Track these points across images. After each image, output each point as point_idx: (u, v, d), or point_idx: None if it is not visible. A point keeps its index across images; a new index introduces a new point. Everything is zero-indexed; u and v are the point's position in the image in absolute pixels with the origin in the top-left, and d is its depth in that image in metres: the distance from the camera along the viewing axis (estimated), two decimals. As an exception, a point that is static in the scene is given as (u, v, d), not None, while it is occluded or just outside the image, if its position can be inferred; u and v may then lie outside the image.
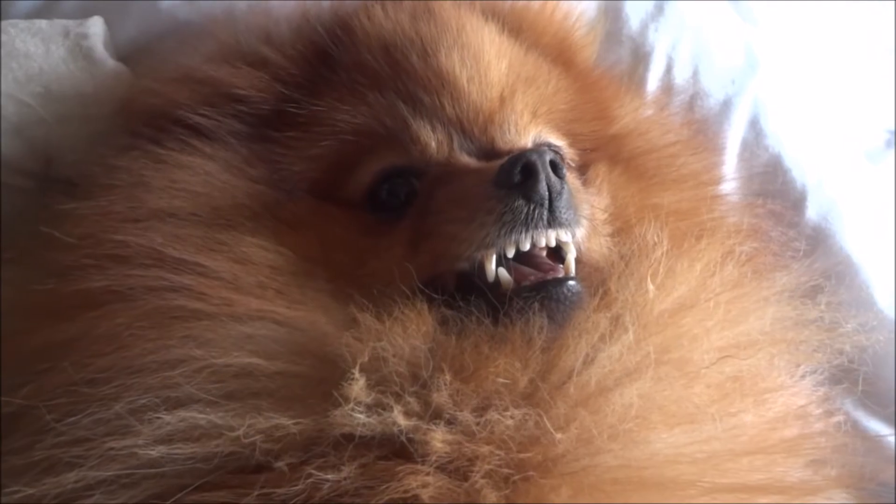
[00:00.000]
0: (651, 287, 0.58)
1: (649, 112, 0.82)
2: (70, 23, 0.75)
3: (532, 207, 0.57)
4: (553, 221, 0.58)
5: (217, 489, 0.51)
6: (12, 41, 0.72)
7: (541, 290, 0.56)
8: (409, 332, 0.55)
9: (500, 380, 0.52)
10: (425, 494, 0.50)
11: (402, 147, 0.65)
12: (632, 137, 0.76)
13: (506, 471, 0.51)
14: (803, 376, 0.66)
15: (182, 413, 0.51)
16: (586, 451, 0.52)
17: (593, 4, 0.90)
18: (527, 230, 0.57)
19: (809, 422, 0.65)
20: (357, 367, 0.52)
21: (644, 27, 0.91)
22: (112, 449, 0.51)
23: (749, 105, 0.92)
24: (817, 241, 0.89)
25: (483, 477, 0.50)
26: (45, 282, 0.60)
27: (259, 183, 0.65)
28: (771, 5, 1.13)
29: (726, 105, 0.91)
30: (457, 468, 0.51)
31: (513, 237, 0.58)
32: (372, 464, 0.50)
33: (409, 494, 0.50)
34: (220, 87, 0.68)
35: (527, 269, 0.57)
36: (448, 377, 0.52)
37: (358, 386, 0.52)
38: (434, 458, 0.51)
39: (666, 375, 0.55)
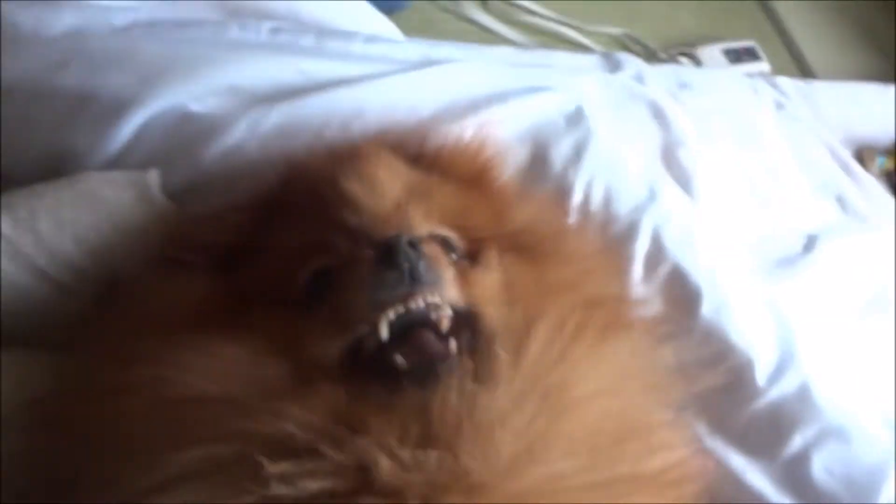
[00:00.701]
0: (502, 351, 0.74)
1: (539, 211, 1.01)
2: (135, 175, 1.00)
3: (395, 274, 0.73)
4: (415, 281, 0.73)
5: None
6: (94, 189, 0.97)
7: (425, 366, 0.72)
8: (313, 406, 0.68)
9: (395, 433, 0.65)
10: None
11: (323, 253, 0.82)
12: (524, 232, 0.94)
13: (434, 498, 0.63)
14: (670, 414, 0.82)
15: (174, 495, 0.64)
16: (496, 477, 0.65)
17: (524, 152, 1.17)
18: (394, 290, 0.73)
19: (680, 456, 0.78)
20: (270, 447, 0.64)
21: (565, 169, 1.17)
22: None
23: (650, 226, 1.16)
24: (709, 332, 1.09)
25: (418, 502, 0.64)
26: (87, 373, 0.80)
27: (223, 299, 0.83)
28: (700, 133, 1.40)
29: (632, 226, 1.15)
30: (398, 497, 0.63)
31: (386, 296, 0.73)
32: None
33: None
34: (196, 237, 0.90)
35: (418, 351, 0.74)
36: (363, 438, 0.65)
37: (274, 466, 0.64)
38: (381, 486, 0.64)
39: (545, 414, 0.68)
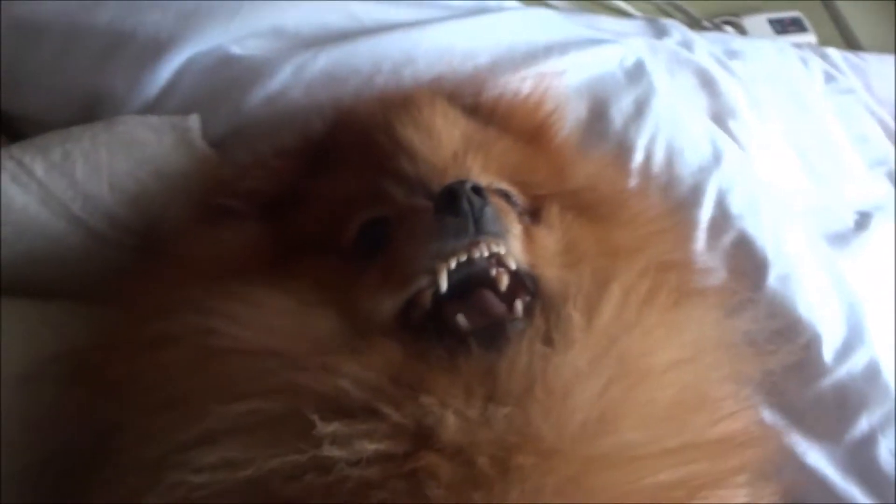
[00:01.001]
0: (576, 313, 0.69)
1: (600, 170, 0.96)
2: (176, 119, 0.95)
3: (459, 220, 0.68)
4: (480, 230, 0.68)
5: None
6: (132, 131, 0.91)
7: (490, 329, 0.67)
8: (368, 362, 0.64)
9: (459, 393, 0.61)
10: (442, 474, 0.58)
11: (376, 202, 0.79)
12: (585, 192, 0.89)
13: (504, 458, 0.60)
14: (736, 387, 0.77)
15: (216, 448, 0.61)
16: (567, 442, 0.61)
17: (582, 107, 1.09)
18: (458, 239, 0.68)
19: (752, 433, 0.74)
20: (320, 405, 0.61)
21: (626, 126, 1.10)
22: (174, 480, 0.60)
23: (715, 188, 1.08)
24: (774, 304, 1.02)
25: (488, 463, 0.59)
26: (125, 324, 0.76)
27: (273, 248, 0.80)
28: (750, 102, 1.33)
29: (696, 189, 1.08)
30: (464, 456, 0.59)
31: (448, 245, 0.68)
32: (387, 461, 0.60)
33: (426, 473, 0.59)
34: (242, 185, 0.85)
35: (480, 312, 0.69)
36: (427, 397, 0.62)
37: (327, 425, 0.60)
38: (445, 444, 0.60)
39: (620, 381, 0.64)
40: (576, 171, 0.93)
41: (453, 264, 0.69)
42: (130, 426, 0.67)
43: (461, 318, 0.68)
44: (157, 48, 0.99)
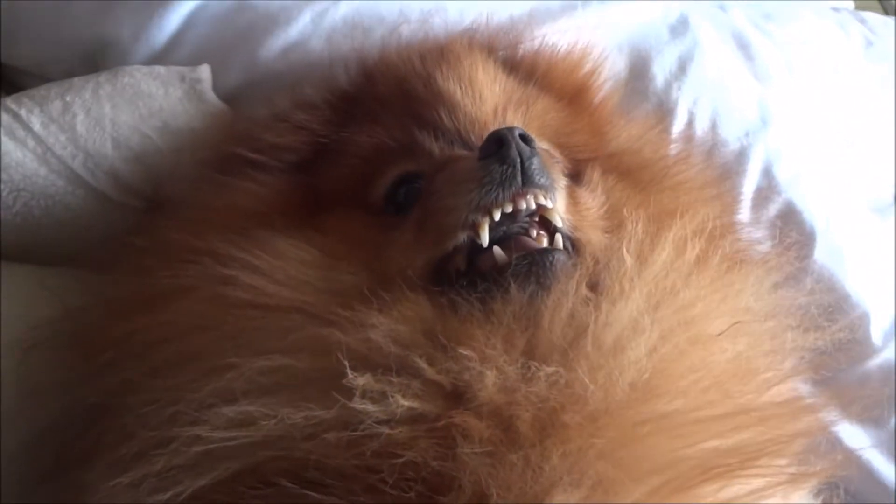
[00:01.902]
0: (629, 257, 0.63)
1: (643, 133, 0.88)
2: (185, 69, 0.86)
3: (506, 168, 0.62)
4: (527, 182, 0.62)
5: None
6: (138, 83, 0.83)
7: (529, 258, 0.61)
8: (400, 317, 0.59)
9: (499, 346, 0.56)
10: (476, 435, 0.53)
11: (411, 156, 0.73)
12: (627, 154, 0.83)
13: (545, 419, 0.54)
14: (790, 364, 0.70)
15: (237, 406, 0.56)
16: (614, 405, 0.55)
17: (622, 63, 0.99)
18: (504, 189, 0.62)
19: (800, 405, 0.69)
20: (349, 359, 0.55)
21: (668, 85, 1.00)
22: (189, 437, 0.55)
23: (762, 155, 0.99)
24: (822, 278, 0.94)
25: (527, 424, 0.54)
26: (127, 282, 0.70)
27: (297, 201, 0.74)
28: (787, 66, 1.23)
29: (741, 155, 0.99)
30: (501, 416, 0.54)
31: (493, 195, 0.62)
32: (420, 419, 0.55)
33: (459, 433, 0.53)
34: (266, 139, 0.78)
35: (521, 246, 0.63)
36: (464, 350, 0.56)
37: (358, 377, 0.55)
38: (481, 403, 0.54)
39: (669, 345, 0.59)
40: (618, 133, 0.85)
41: (497, 215, 0.62)
42: (137, 386, 0.61)
43: (498, 251, 0.62)
44: (165, -10, 0.90)
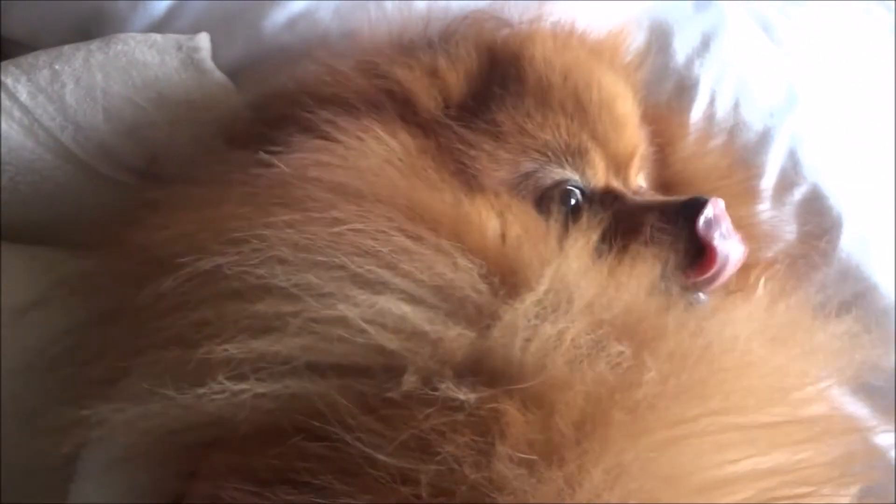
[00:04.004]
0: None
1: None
2: (182, 37, 0.78)
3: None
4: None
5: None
6: (132, 51, 0.75)
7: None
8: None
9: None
10: (515, 434, 0.47)
11: (577, 166, 0.71)
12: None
13: (588, 413, 0.48)
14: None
15: (386, 299, 0.50)
16: (663, 396, 0.50)
17: (641, 37, 0.91)
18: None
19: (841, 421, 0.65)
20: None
21: (690, 62, 0.91)
22: (320, 314, 0.50)
23: (787, 137, 0.91)
24: (849, 267, 0.87)
25: (566, 421, 0.48)
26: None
27: (448, 170, 0.67)
28: (812, 48, 1.16)
29: (765, 136, 0.90)
30: (545, 407, 0.49)
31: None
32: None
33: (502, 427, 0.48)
34: (395, 86, 0.70)
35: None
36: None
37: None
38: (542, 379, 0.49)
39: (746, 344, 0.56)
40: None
41: None
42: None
43: None
44: (161, -42, 0.80)
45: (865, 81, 1.22)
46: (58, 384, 0.60)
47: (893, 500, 0.82)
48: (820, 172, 0.92)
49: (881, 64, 1.32)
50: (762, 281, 0.71)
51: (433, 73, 0.72)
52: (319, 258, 0.52)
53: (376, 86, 0.70)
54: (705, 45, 0.93)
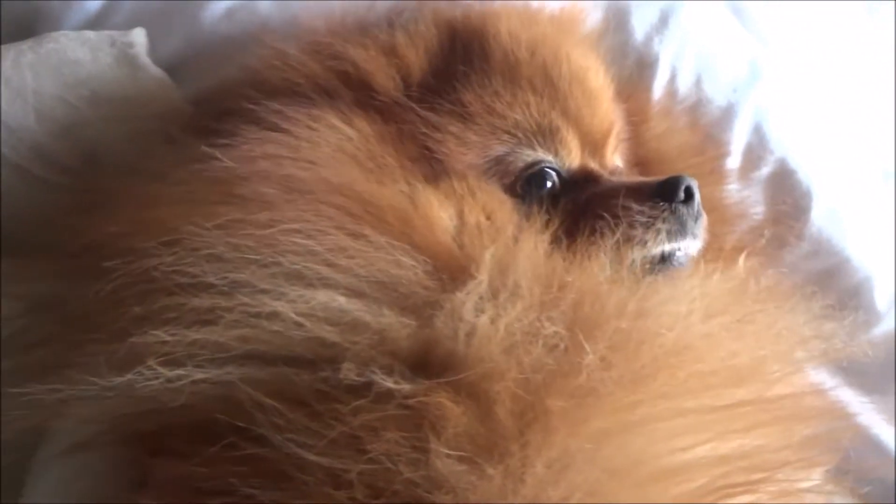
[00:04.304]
0: None
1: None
2: (116, 33, 0.75)
3: (693, 219, 0.66)
4: (696, 234, 0.66)
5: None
6: (64, 49, 0.72)
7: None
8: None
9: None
10: (451, 426, 0.45)
11: (549, 147, 0.68)
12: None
13: (527, 401, 0.46)
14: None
15: (325, 293, 0.49)
16: (607, 381, 0.48)
17: (597, 15, 0.87)
18: (683, 237, 0.65)
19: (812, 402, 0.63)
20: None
21: (649, 39, 0.89)
22: (255, 309, 0.49)
23: (751, 112, 0.88)
24: (820, 241, 0.85)
25: (506, 410, 0.46)
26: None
27: (409, 157, 0.65)
28: (780, 18, 1.13)
29: (728, 111, 0.88)
30: (480, 397, 0.47)
31: (677, 241, 0.65)
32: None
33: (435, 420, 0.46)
34: (349, 68, 0.67)
35: None
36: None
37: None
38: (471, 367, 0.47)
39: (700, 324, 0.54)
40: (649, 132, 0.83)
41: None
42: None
43: None
44: (93, -47, 0.77)
45: (839, 58, 1.19)
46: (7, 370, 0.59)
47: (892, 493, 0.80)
48: (787, 146, 0.90)
49: (857, 41, 1.29)
50: (741, 259, 0.69)
51: (391, 51, 0.69)
52: (255, 256, 0.52)
53: (329, 68, 0.67)
54: (664, 21, 0.90)
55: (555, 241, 0.60)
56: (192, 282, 0.50)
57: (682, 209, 0.66)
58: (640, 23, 0.90)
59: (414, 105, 0.66)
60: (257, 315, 0.49)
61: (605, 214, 0.64)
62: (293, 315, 0.49)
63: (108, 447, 0.56)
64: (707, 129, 0.88)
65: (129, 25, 0.80)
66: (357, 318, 0.49)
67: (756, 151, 0.89)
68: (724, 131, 0.89)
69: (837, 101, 1.07)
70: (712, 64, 0.91)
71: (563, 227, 0.63)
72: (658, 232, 0.65)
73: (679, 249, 0.66)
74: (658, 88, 0.89)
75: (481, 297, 0.50)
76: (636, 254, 0.63)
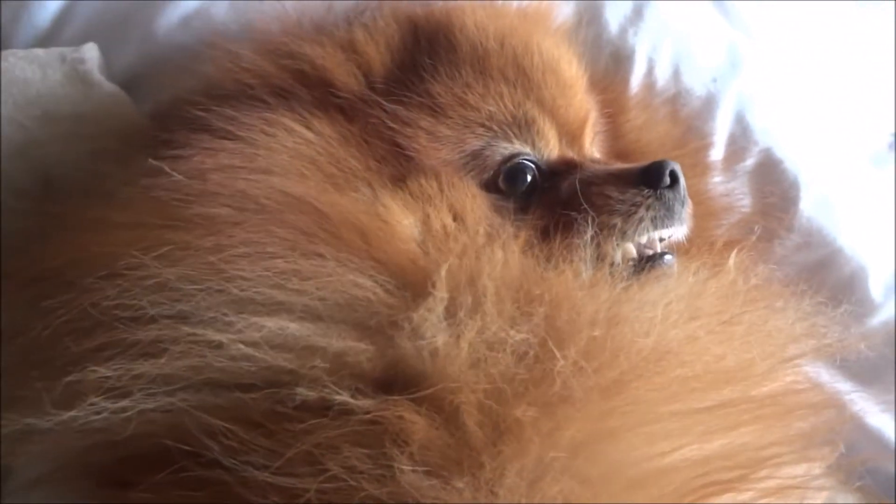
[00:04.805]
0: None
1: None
2: (66, 49, 0.72)
3: (680, 204, 0.64)
4: (683, 219, 0.65)
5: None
6: (12, 69, 0.69)
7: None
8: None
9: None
10: (415, 439, 0.43)
11: (526, 139, 0.66)
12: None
13: (497, 412, 0.44)
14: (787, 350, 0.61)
15: (276, 320, 0.47)
16: (581, 388, 0.46)
17: (571, 9, 0.85)
18: (671, 223, 0.64)
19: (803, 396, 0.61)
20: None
21: (623, 31, 0.86)
22: (202, 340, 0.47)
23: (733, 101, 0.86)
24: (811, 232, 0.83)
25: (474, 420, 0.44)
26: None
27: (375, 157, 0.62)
28: (765, 10, 1.11)
29: (709, 102, 0.85)
30: (445, 408, 0.45)
31: (665, 227, 0.63)
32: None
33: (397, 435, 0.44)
34: (306, 66, 0.64)
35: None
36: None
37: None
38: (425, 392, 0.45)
39: (681, 327, 0.52)
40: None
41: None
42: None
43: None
44: (41, -37, 0.74)
45: (823, 43, 1.16)
46: None
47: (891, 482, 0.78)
48: (772, 136, 0.87)
49: (843, 23, 1.26)
50: (732, 254, 0.66)
51: (350, 47, 0.66)
52: (202, 285, 0.49)
53: (284, 67, 0.64)
54: (638, 13, 0.87)
55: (530, 243, 0.58)
56: (135, 315, 0.48)
57: (668, 194, 0.63)
58: (614, 16, 0.87)
59: (379, 99, 0.63)
60: (206, 345, 0.47)
61: (584, 205, 0.62)
62: (241, 347, 0.47)
63: (69, 481, 0.54)
64: (688, 120, 0.85)
65: (83, 38, 0.77)
66: (312, 344, 0.46)
67: (740, 142, 0.86)
68: (706, 122, 0.86)
69: (820, 87, 1.04)
70: (690, 54, 0.88)
71: (542, 224, 0.61)
72: (641, 220, 0.63)
73: (664, 239, 0.65)
74: (636, 81, 0.86)
75: (441, 315, 0.48)
76: (617, 246, 0.62)
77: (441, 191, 0.61)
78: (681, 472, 0.46)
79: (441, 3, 0.75)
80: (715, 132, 0.86)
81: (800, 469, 0.54)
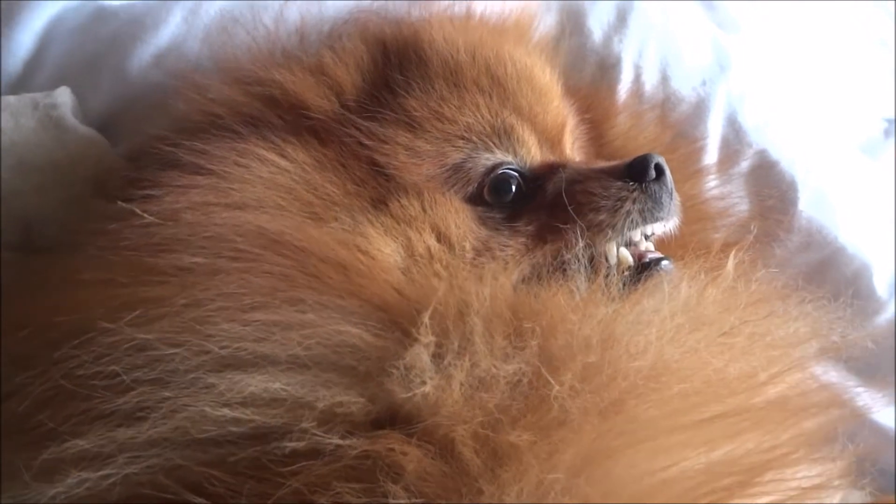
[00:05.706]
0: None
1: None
2: (38, 95, 0.71)
3: (668, 195, 0.63)
4: (672, 210, 0.64)
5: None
6: None
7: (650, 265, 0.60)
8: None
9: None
10: (411, 470, 0.43)
11: (507, 147, 0.65)
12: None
13: (490, 438, 0.43)
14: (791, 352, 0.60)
15: (261, 377, 0.46)
16: (577, 410, 0.45)
17: (551, 20, 0.83)
18: (660, 214, 0.63)
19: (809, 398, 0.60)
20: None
21: (608, 39, 0.84)
22: (184, 405, 0.46)
23: (723, 103, 0.84)
24: (811, 232, 0.81)
25: (469, 449, 0.43)
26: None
27: (353, 179, 0.61)
28: (750, 5, 1.08)
29: (699, 106, 0.84)
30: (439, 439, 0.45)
31: (654, 219, 0.63)
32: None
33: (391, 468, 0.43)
34: (276, 92, 0.63)
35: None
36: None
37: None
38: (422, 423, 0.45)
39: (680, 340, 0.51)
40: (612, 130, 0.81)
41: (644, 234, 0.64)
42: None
43: (625, 252, 0.65)
44: (9, 6, 0.74)
45: (810, 35, 1.14)
46: None
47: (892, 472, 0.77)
48: (765, 137, 0.85)
49: (827, 14, 1.25)
50: (731, 257, 0.64)
51: (319, 70, 0.65)
52: (179, 348, 0.47)
53: (254, 95, 0.63)
54: (622, 20, 0.85)
55: (519, 268, 0.57)
56: (111, 382, 0.46)
57: (654, 186, 0.63)
58: (598, 24, 0.85)
59: (353, 116, 0.62)
60: (186, 411, 0.45)
61: (570, 211, 0.62)
62: (227, 411, 0.45)
63: None
64: (678, 125, 0.83)
65: (55, 83, 0.75)
66: (300, 398, 0.45)
67: (733, 145, 0.84)
68: (697, 126, 0.84)
69: (807, 77, 1.02)
70: (677, 57, 0.86)
71: (533, 230, 0.61)
72: (628, 213, 0.62)
73: (654, 234, 0.65)
74: (623, 89, 0.84)
75: (430, 360, 0.46)
76: (608, 241, 0.62)
77: (424, 210, 0.59)
78: (682, 483, 0.45)
79: (409, 19, 0.73)
80: (707, 136, 0.84)
81: (814, 470, 0.53)
